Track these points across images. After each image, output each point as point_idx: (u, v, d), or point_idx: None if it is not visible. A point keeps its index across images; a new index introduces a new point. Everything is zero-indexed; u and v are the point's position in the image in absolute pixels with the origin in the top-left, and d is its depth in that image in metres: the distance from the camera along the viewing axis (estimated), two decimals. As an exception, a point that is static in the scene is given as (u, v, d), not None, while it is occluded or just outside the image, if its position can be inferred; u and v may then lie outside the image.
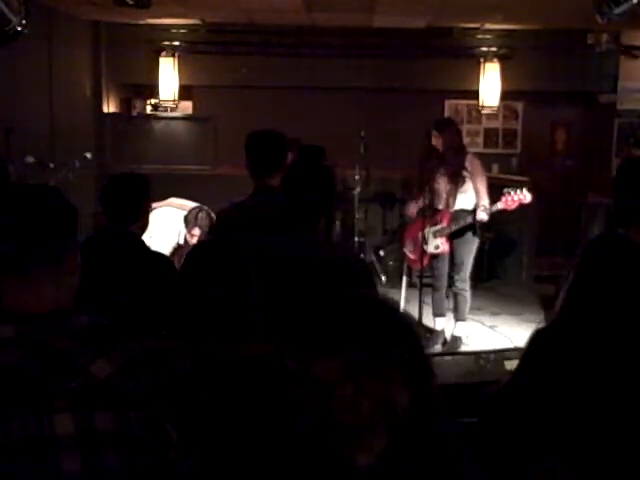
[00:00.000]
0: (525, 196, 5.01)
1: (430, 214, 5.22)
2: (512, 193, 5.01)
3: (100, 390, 1.25)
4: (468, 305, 5.43)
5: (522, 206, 5.10)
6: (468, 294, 5.37)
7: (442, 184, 5.21)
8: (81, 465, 1.23)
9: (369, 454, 1.03)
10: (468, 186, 5.15)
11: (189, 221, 5.18)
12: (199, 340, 1.74)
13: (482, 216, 5.03)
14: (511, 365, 4.11)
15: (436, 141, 5.11)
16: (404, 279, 6.21)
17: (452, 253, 5.34)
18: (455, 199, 5.18)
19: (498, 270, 7.50)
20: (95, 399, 1.25)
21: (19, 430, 1.24)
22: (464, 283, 5.33)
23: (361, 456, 1.03)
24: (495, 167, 8.20)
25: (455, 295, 5.40)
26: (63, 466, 1.23)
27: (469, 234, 5.24)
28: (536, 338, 1.71)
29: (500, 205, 5.04)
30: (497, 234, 7.32)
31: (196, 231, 5.15)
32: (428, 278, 5.60)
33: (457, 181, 5.13)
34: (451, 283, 5.49)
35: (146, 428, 1.27)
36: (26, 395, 1.24)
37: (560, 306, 1.78)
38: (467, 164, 5.14)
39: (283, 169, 3.31)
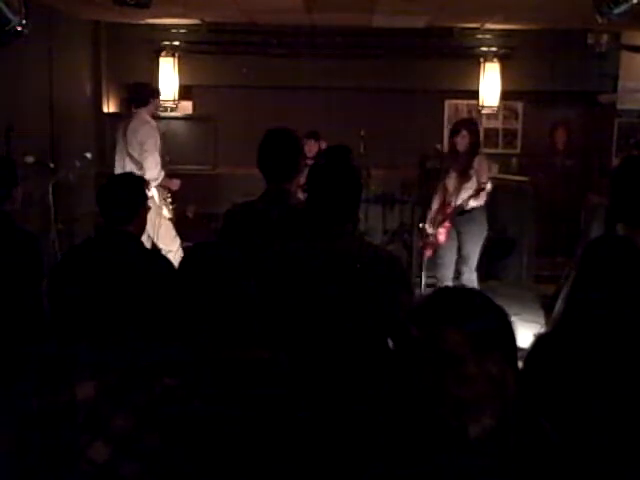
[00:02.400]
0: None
1: (440, 209, 5.53)
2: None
3: (104, 401, 1.26)
4: None
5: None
6: (475, 284, 5.50)
7: (452, 180, 5.49)
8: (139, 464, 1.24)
9: (480, 427, 1.08)
10: (473, 183, 5.36)
11: None
12: (198, 342, 1.74)
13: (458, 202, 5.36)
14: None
15: (462, 140, 5.36)
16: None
17: (459, 246, 5.53)
18: (459, 194, 5.41)
19: (498, 270, 7.49)
20: (102, 410, 1.25)
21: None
22: (471, 274, 5.51)
23: (472, 428, 1.08)
24: (495, 167, 8.19)
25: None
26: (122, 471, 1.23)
27: (475, 227, 5.45)
28: (538, 344, 1.72)
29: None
30: (497, 234, 7.32)
31: None
32: (429, 278, 5.65)
33: (463, 179, 5.40)
34: (458, 276, 5.61)
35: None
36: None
37: (561, 310, 1.77)
38: (475, 163, 5.39)
39: (299, 174, 3.31)
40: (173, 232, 5.92)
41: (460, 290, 1.29)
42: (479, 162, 5.40)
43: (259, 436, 1.50)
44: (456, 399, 1.08)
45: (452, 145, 5.44)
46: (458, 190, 5.41)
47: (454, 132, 5.43)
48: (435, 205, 5.62)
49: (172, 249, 5.78)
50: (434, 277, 5.74)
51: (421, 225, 5.63)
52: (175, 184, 5.94)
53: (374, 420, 1.16)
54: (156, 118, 7.88)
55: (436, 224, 5.50)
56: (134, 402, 1.26)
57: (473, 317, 1.18)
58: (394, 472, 1.11)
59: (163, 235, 5.81)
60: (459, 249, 5.54)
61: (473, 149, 5.41)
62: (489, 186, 5.24)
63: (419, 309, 1.22)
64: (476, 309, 1.20)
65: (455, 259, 5.58)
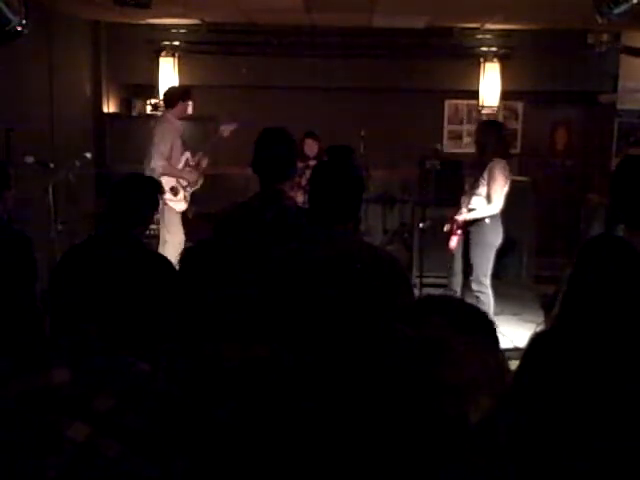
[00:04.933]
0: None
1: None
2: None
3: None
4: (488, 307, 5.26)
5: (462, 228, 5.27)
6: (486, 296, 5.28)
7: (467, 184, 5.36)
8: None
9: (479, 411, 1.06)
10: (483, 189, 5.18)
11: None
12: (198, 341, 1.74)
13: (461, 217, 5.22)
14: (511, 365, 4.12)
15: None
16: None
17: (467, 254, 5.36)
18: (470, 200, 5.25)
19: (498, 270, 7.46)
20: (80, 394, 1.27)
21: None
22: (478, 285, 5.29)
23: (473, 413, 1.06)
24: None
25: (476, 298, 5.29)
26: None
27: (479, 236, 5.25)
28: (534, 342, 1.72)
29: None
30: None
31: None
32: (430, 278, 5.64)
33: (474, 184, 5.22)
34: (467, 284, 5.45)
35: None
36: None
37: (558, 309, 1.78)
38: (487, 168, 5.15)
39: (292, 175, 3.30)
40: (178, 225, 6.04)
41: (446, 296, 1.30)
42: (490, 169, 5.12)
43: (252, 428, 1.51)
44: (451, 386, 1.07)
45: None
46: (469, 195, 5.25)
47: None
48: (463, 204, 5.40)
49: (169, 240, 5.89)
50: (433, 277, 5.70)
51: (421, 225, 5.53)
52: (191, 175, 6.09)
53: (375, 420, 1.14)
54: (156, 118, 7.93)
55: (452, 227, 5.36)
56: (112, 385, 1.28)
57: (458, 309, 1.19)
58: (399, 470, 1.10)
59: (167, 223, 5.95)
60: (467, 257, 5.35)
61: (483, 151, 5.17)
62: (460, 219, 5.20)
63: (406, 311, 1.22)
64: (461, 306, 1.21)
65: (462, 267, 5.43)
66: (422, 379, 1.07)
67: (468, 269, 5.40)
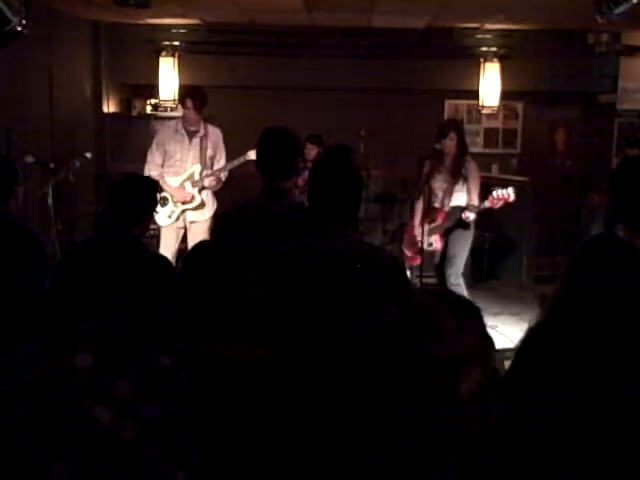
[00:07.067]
0: (509, 195, 5.12)
1: (427, 212, 5.37)
2: (497, 192, 5.14)
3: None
4: None
5: (507, 204, 5.19)
6: (462, 289, 5.34)
7: (440, 182, 5.37)
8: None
9: (470, 384, 1.05)
10: (463, 186, 5.31)
11: None
12: (198, 342, 1.75)
13: (468, 214, 5.17)
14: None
15: (450, 142, 5.28)
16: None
17: (445, 248, 5.41)
18: (451, 198, 5.33)
19: (498, 270, 7.50)
20: (101, 378, 1.29)
21: None
22: (457, 278, 5.37)
23: (464, 385, 1.05)
24: (495, 167, 8.20)
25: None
26: None
27: (462, 229, 5.34)
28: (529, 336, 1.72)
29: (487, 204, 5.19)
30: (497, 234, 7.33)
31: None
32: (429, 278, 5.64)
33: (455, 180, 5.30)
34: (444, 278, 5.49)
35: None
36: None
37: (549, 304, 1.78)
38: (465, 164, 5.31)
39: (295, 174, 3.32)
40: (168, 241, 5.60)
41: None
42: (469, 165, 5.32)
43: (261, 430, 1.51)
44: (441, 360, 1.06)
45: (440, 147, 5.31)
46: (450, 193, 5.31)
47: (442, 135, 5.30)
48: (419, 208, 5.45)
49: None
50: (433, 277, 5.71)
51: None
52: (179, 193, 5.53)
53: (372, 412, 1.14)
54: (156, 118, 7.94)
55: (428, 231, 5.35)
56: (132, 372, 1.29)
57: (454, 296, 1.19)
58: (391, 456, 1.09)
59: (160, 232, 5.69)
60: (445, 251, 5.41)
61: (461, 150, 5.32)
62: (472, 216, 5.16)
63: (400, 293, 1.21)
64: (455, 295, 1.21)
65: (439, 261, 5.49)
66: (413, 355, 1.07)
67: (446, 262, 5.43)
